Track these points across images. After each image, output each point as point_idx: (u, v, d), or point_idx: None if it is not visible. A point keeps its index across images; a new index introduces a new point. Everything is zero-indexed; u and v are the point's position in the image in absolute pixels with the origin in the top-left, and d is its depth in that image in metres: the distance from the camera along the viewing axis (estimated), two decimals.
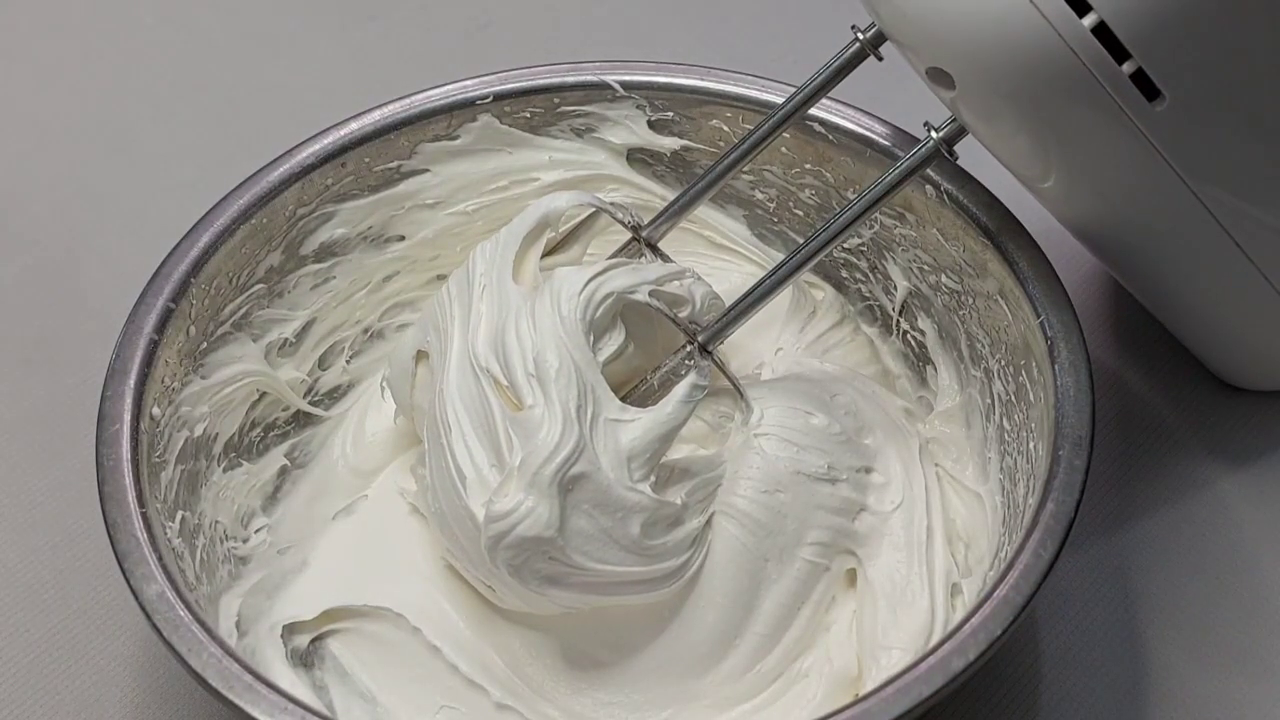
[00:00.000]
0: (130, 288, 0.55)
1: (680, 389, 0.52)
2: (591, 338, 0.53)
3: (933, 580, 0.54)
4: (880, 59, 0.54)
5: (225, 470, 0.57)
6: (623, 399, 0.53)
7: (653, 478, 0.51)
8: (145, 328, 0.54)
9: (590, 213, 0.59)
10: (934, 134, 0.52)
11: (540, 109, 0.61)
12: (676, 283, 0.56)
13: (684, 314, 0.55)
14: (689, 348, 0.54)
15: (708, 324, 0.55)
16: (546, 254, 0.58)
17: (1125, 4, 0.46)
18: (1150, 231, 0.54)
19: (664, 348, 0.56)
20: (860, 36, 0.54)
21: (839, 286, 0.62)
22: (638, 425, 0.51)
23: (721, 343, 0.55)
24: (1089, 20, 0.46)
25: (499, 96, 0.61)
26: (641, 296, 0.54)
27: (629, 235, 0.58)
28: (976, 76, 0.48)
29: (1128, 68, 0.47)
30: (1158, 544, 0.59)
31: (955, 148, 0.52)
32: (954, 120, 0.51)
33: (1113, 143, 0.49)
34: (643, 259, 0.58)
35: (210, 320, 0.56)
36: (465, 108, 0.61)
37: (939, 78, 0.50)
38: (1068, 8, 0.46)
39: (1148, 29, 0.46)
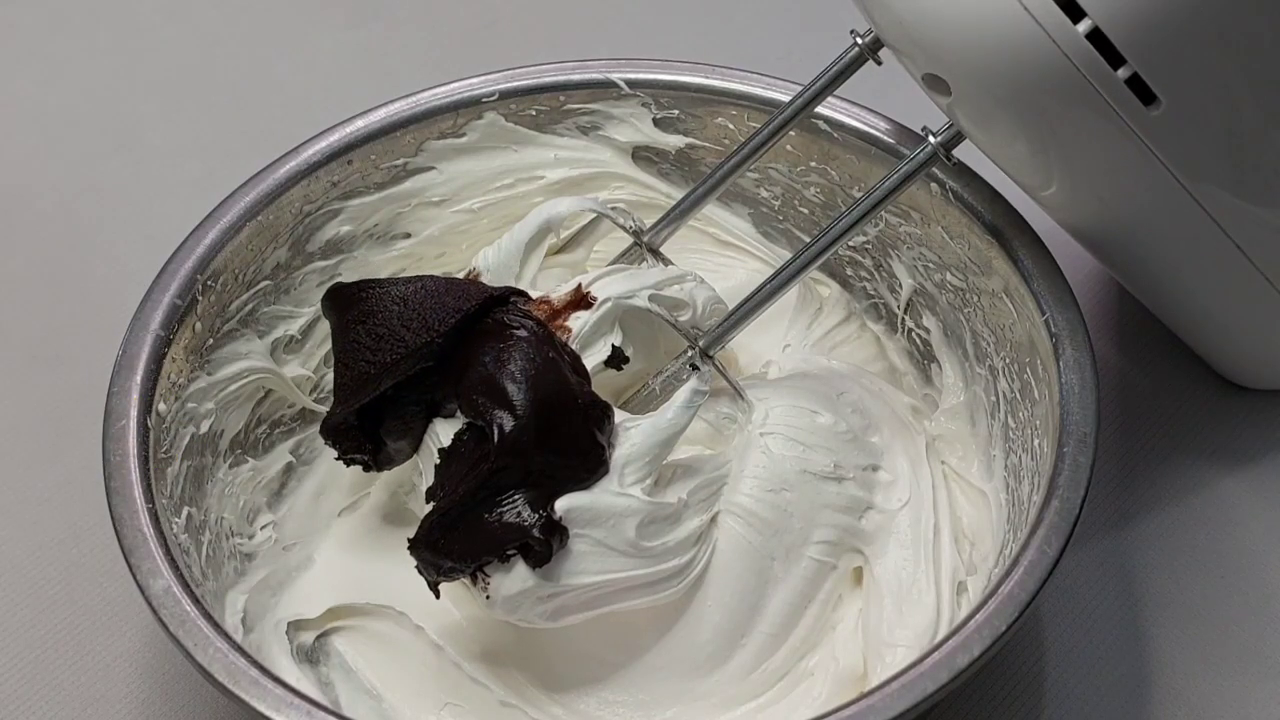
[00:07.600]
0: (137, 284, 0.55)
1: (681, 394, 0.52)
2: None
3: (939, 578, 0.54)
4: (879, 63, 0.54)
5: (231, 467, 0.57)
6: (623, 404, 0.54)
7: (649, 480, 0.51)
8: (152, 324, 0.54)
9: (593, 217, 0.58)
10: (932, 138, 0.52)
11: (546, 107, 0.61)
12: (677, 287, 0.55)
13: (685, 318, 0.55)
14: (690, 353, 0.54)
15: (709, 328, 0.55)
16: (550, 257, 0.58)
17: (1120, 9, 0.45)
18: (1149, 234, 0.54)
19: (666, 352, 0.56)
20: (859, 41, 0.54)
21: (844, 284, 0.62)
22: (637, 432, 0.51)
23: (723, 347, 0.55)
24: (1083, 26, 0.46)
25: (505, 94, 0.61)
26: (640, 302, 0.54)
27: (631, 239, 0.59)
28: (971, 83, 0.48)
29: (1123, 73, 0.46)
30: (1162, 542, 0.59)
31: (954, 151, 0.52)
32: (952, 125, 0.51)
33: (1109, 148, 0.49)
34: (644, 263, 0.58)
35: (217, 317, 0.56)
36: (471, 105, 0.61)
37: (935, 84, 0.49)
38: (1062, 13, 0.46)
39: (1142, 34, 0.46)
